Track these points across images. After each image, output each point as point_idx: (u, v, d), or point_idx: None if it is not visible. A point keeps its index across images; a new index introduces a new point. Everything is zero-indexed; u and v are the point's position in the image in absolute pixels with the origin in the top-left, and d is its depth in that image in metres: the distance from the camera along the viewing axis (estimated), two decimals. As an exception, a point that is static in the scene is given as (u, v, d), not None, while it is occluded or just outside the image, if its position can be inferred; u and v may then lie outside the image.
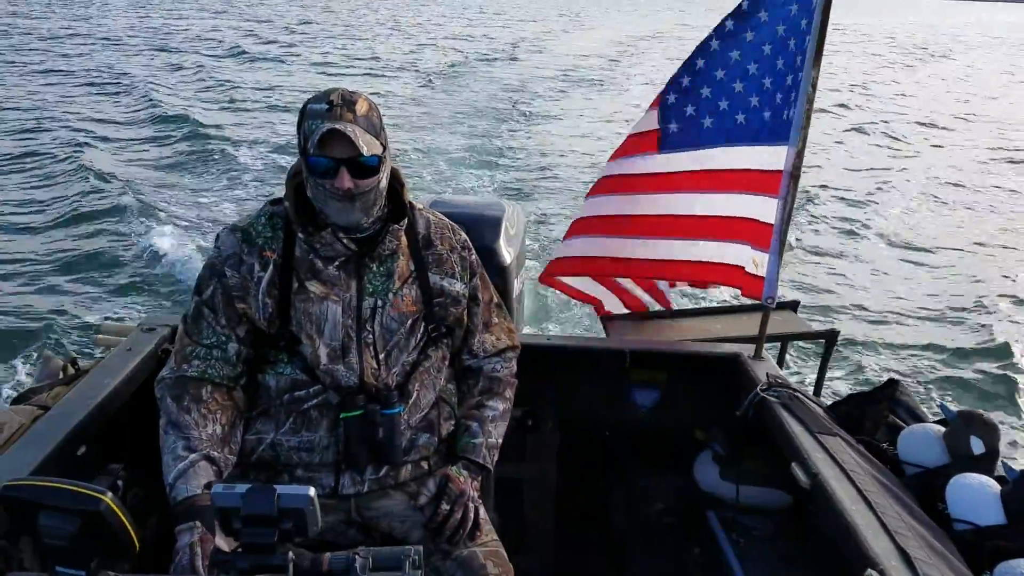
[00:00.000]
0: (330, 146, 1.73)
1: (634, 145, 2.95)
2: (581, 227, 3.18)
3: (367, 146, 1.73)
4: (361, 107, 1.76)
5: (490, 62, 25.77)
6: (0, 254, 8.03)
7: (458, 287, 2.01)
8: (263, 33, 32.17)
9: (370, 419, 1.86)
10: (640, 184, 2.97)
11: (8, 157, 11.52)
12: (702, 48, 2.78)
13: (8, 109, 14.79)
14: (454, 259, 2.01)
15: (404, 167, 11.10)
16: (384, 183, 1.84)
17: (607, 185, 3.07)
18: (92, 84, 18.35)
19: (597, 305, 3.45)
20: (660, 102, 2.87)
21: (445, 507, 1.88)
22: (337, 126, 1.70)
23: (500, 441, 2.06)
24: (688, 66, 2.81)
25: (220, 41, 28.14)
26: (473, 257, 2.07)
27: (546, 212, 10.24)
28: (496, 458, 2.04)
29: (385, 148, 1.82)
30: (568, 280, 3.36)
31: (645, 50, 31.75)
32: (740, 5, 2.69)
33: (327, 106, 1.73)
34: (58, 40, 26.18)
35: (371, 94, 1.89)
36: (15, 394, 2.29)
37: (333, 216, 1.80)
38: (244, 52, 25.29)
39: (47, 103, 15.66)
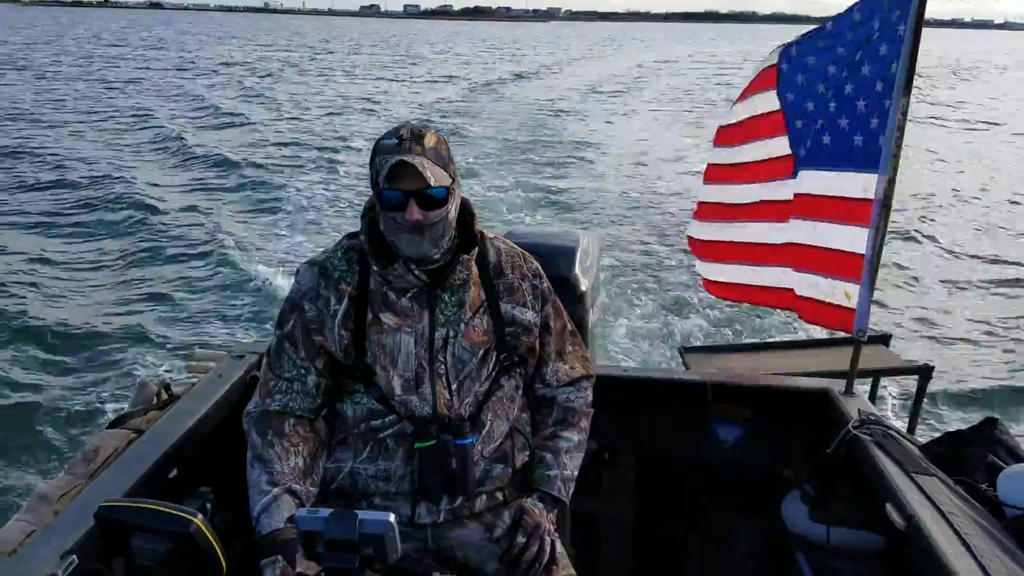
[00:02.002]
0: (399, 179, 1.76)
1: (766, 169, 2.86)
2: (703, 251, 3.10)
3: (435, 178, 1.76)
4: (429, 140, 1.80)
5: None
6: (99, 287, 8.44)
7: (529, 316, 2.00)
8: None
9: (443, 449, 1.87)
10: (745, 211, 2.91)
11: (95, 198, 12.13)
12: (804, 69, 2.72)
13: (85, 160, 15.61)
14: (525, 287, 2.01)
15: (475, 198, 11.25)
16: (453, 214, 1.86)
17: (711, 211, 3.00)
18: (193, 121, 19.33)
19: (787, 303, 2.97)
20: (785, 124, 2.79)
21: (521, 540, 1.86)
22: (405, 158, 1.74)
23: (576, 473, 2.04)
24: (797, 85, 2.74)
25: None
26: (545, 285, 2.06)
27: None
28: (572, 490, 2.02)
29: (454, 180, 1.85)
30: (728, 279, 3.09)
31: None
32: (835, 29, 2.63)
33: (396, 141, 1.78)
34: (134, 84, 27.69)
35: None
36: (112, 418, 2.37)
37: (404, 248, 1.83)
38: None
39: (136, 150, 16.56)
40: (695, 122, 22.72)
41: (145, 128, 18.77)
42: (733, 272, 2.98)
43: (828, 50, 2.67)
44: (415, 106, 25.62)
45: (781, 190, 2.82)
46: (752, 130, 2.90)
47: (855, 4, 2.61)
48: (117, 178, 13.11)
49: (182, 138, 17.34)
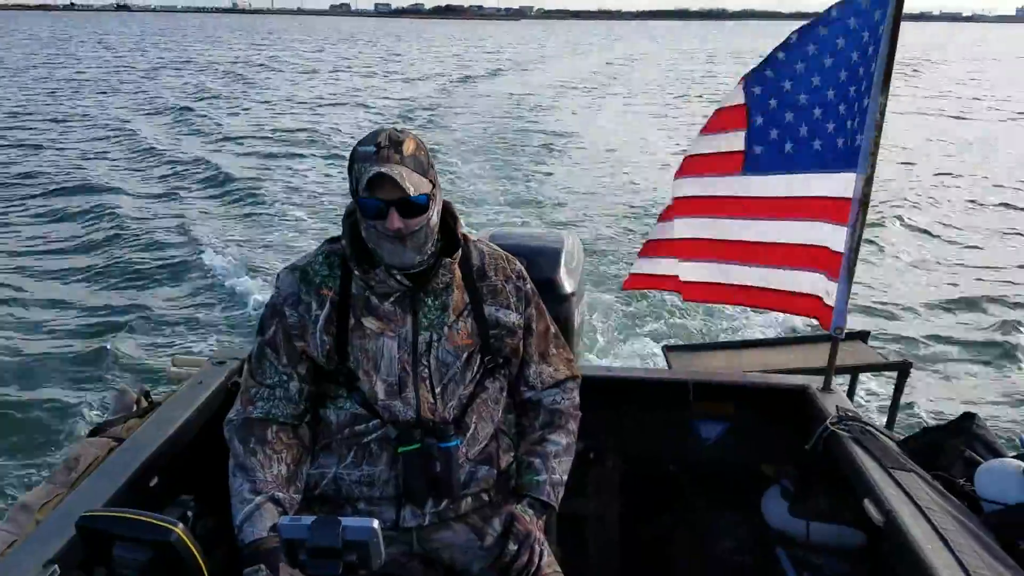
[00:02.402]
0: (379, 188, 1.76)
1: (719, 162, 2.87)
2: (654, 249, 3.10)
3: (415, 186, 1.75)
4: (408, 147, 1.79)
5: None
6: (76, 295, 8.36)
7: (513, 317, 2.00)
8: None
9: (427, 453, 1.87)
10: (720, 207, 2.91)
11: (73, 204, 12.02)
12: (786, 68, 2.72)
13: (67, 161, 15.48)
14: (509, 289, 2.01)
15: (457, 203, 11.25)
16: (435, 219, 1.86)
17: (686, 206, 3.00)
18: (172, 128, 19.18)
19: (679, 288, 3.09)
20: (747, 121, 2.81)
21: (512, 547, 1.87)
22: (384, 169, 1.72)
23: (565, 477, 2.04)
24: (774, 86, 2.75)
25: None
26: (528, 287, 2.06)
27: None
28: (560, 495, 2.02)
29: (435, 185, 1.84)
30: (646, 271, 3.12)
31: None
32: (817, 29, 2.65)
33: (374, 148, 1.76)
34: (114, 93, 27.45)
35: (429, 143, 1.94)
36: (93, 426, 2.36)
37: (386, 256, 1.83)
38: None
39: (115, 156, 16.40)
40: (664, 114, 23.52)
41: (118, 134, 18.51)
42: (708, 272, 2.99)
43: (812, 56, 2.68)
44: (394, 101, 25.94)
45: (757, 187, 2.84)
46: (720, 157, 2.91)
47: (833, 5, 2.63)
48: (89, 185, 12.97)
49: (155, 143, 17.15)
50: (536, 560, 1.88)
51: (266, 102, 25.66)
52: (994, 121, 23.78)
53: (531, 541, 1.88)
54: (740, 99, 2.78)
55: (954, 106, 26.95)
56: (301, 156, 16.44)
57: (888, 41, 2.43)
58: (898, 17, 2.42)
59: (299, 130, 19.80)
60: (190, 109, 22.79)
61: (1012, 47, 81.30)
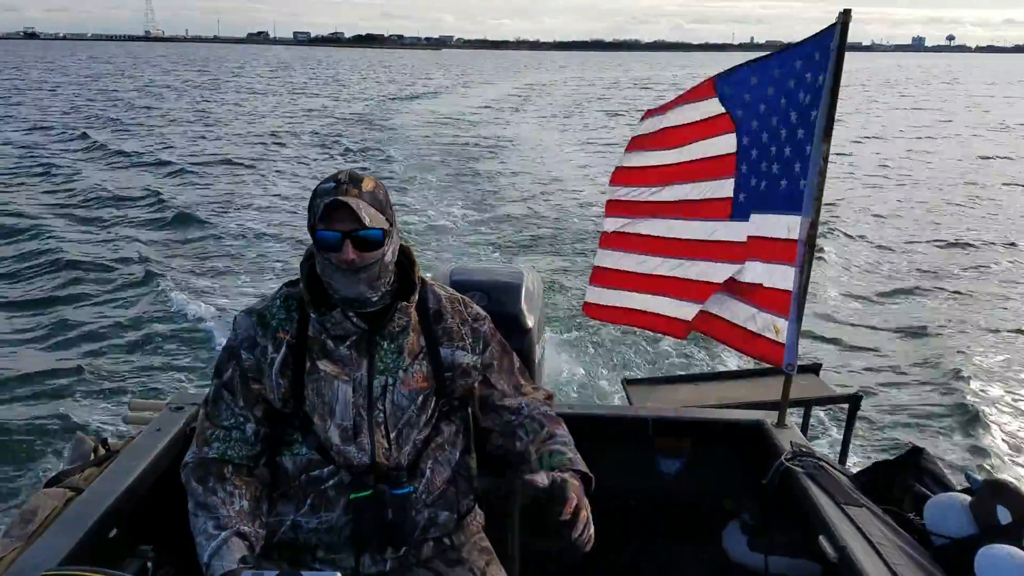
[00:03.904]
0: (334, 219, 1.79)
1: (706, 208, 2.93)
2: (610, 280, 3.16)
3: (370, 218, 1.78)
4: (367, 184, 1.83)
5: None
6: (25, 337, 8.15)
7: (469, 359, 2.02)
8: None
9: (380, 500, 1.87)
10: (673, 247, 2.98)
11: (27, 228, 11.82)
12: (741, 119, 2.81)
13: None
14: (465, 331, 2.03)
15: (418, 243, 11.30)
16: (389, 257, 1.88)
17: (645, 243, 3.06)
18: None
19: (648, 323, 3.18)
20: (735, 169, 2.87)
21: (572, 502, 1.76)
22: (340, 198, 1.77)
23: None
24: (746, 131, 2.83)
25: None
26: (486, 327, 2.08)
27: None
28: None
29: (392, 224, 1.87)
30: (609, 303, 3.22)
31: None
32: (772, 69, 2.73)
33: (334, 184, 1.81)
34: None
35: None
36: (50, 476, 2.33)
37: (339, 288, 1.84)
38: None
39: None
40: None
41: (57, 175, 17.55)
42: (661, 304, 3.06)
43: (757, 97, 2.78)
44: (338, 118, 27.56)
45: (718, 231, 2.92)
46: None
47: (779, 51, 2.73)
48: (36, 227, 12.45)
49: (98, 181, 16.57)
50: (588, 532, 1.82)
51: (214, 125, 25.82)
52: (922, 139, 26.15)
53: (584, 506, 1.82)
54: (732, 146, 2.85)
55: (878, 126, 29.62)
56: (257, 191, 16.32)
57: (830, 90, 2.52)
58: (839, 67, 2.52)
59: (252, 160, 19.82)
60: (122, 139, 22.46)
61: (910, 73, 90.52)
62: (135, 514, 2.11)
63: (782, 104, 2.70)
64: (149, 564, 1.93)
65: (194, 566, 1.77)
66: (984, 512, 2.14)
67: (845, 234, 12.86)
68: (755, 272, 2.84)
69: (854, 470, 2.69)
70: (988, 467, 5.91)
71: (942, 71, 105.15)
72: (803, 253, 2.62)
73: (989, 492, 2.18)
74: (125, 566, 1.89)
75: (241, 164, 19.36)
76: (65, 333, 8.23)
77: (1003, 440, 6.38)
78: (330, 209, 1.77)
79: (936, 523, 2.20)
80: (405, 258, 1.97)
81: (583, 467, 1.96)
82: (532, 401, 2.11)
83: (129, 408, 3.00)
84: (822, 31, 2.57)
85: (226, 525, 1.79)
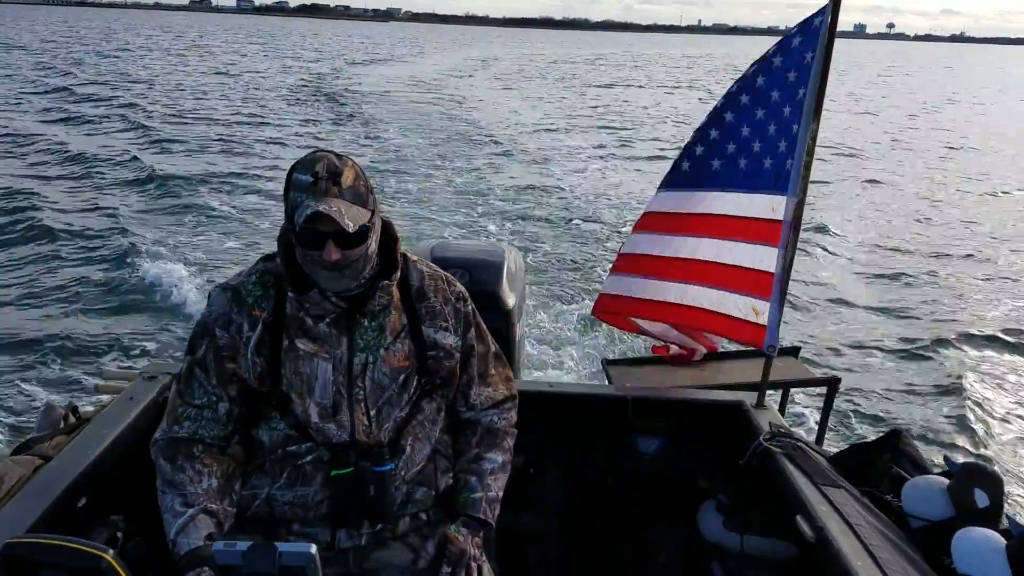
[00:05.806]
0: (316, 221, 1.71)
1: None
2: (624, 265, 3.15)
3: (353, 220, 1.72)
4: (347, 178, 1.74)
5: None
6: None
7: (451, 340, 1.99)
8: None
9: (361, 477, 1.85)
10: (666, 224, 2.96)
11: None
12: (727, 93, 2.79)
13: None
14: (448, 311, 2.00)
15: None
16: (373, 246, 1.83)
17: (647, 221, 3.05)
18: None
19: (656, 343, 3.33)
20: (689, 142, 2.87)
21: (446, 570, 1.86)
22: (321, 208, 1.68)
23: (500, 494, 2.04)
24: (714, 111, 2.81)
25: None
26: (468, 308, 2.05)
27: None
28: (497, 511, 2.02)
29: (373, 212, 1.81)
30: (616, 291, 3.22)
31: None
32: (766, 53, 2.71)
33: (312, 179, 1.71)
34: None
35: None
36: (17, 443, 2.28)
37: (323, 283, 1.80)
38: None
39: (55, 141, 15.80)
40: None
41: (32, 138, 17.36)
42: (639, 288, 3.05)
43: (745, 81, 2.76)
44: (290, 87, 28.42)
45: (691, 203, 2.90)
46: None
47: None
48: (7, 191, 12.27)
49: (70, 142, 16.52)
50: None
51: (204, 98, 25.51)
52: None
53: (466, 560, 1.88)
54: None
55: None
56: (236, 157, 16.20)
57: (819, 70, 2.50)
58: (829, 47, 2.50)
59: (233, 126, 19.71)
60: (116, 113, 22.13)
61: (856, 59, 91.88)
62: (106, 483, 2.07)
63: (767, 85, 2.68)
64: (119, 534, 1.89)
65: (164, 538, 1.75)
66: (961, 495, 2.14)
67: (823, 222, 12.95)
68: (737, 253, 2.82)
69: (832, 452, 2.69)
70: (965, 450, 5.98)
71: (885, 56, 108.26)
72: (787, 234, 2.60)
73: (966, 475, 2.19)
74: (94, 535, 1.85)
75: (221, 129, 19.29)
76: (37, 300, 8.13)
77: (981, 424, 6.46)
78: (310, 217, 1.69)
79: (914, 505, 2.21)
80: (387, 235, 1.92)
81: (481, 512, 1.99)
82: (487, 400, 2.10)
83: (102, 377, 2.95)
84: (815, 12, 2.55)
85: (193, 502, 1.77)
